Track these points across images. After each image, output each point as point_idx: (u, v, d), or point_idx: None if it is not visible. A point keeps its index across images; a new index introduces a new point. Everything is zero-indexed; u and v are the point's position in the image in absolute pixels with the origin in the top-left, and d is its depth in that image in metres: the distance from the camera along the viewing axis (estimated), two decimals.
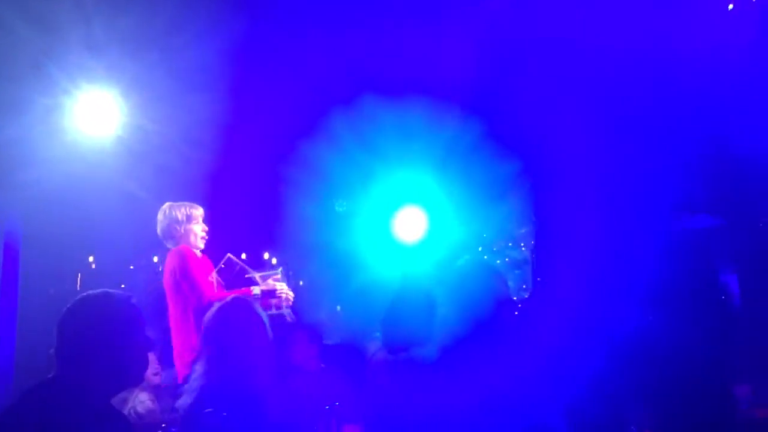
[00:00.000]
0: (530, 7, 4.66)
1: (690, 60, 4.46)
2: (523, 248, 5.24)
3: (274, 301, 4.02)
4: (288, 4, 4.78)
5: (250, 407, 2.48)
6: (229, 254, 4.08)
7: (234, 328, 2.59)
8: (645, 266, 3.35)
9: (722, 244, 3.29)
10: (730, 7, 4.55)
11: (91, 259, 6.46)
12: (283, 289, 4.04)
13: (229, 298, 2.82)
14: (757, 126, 4.31)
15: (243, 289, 4.00)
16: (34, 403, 1.94)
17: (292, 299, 4.09)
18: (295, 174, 5.85)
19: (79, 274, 5.74)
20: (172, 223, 4.07)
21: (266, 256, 6.43)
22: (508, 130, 5.09)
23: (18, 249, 4.56)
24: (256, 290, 3.99)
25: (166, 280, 4.01)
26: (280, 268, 4.17)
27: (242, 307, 2.71)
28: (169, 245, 4.11)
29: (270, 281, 4.06)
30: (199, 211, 4.16)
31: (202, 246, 4.16)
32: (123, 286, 6.65)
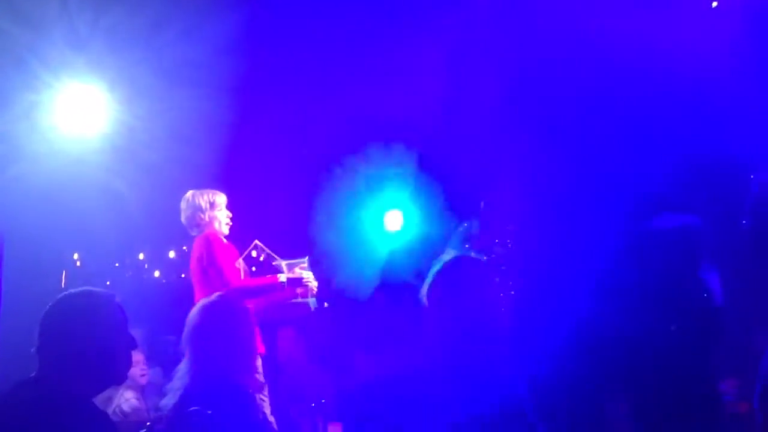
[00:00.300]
0: (506, 10, 4.71)
1: (670, 60, 4.49)
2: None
3: (299, 290, 4.02)
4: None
5: (235, 405, 2.47)
6: (256, 241, 4.06)
7: (219, 326, 2.58)
8: (626, 264, 3.38)
9: (705, 242, 3.31)
10: (714, 4, 4.58)
11: (75, 256, 6.42)
12: (309, 278, 4.02)
13: (214, 296, 2.81)
14: (739, 125, 4.35)
15: (269, 276, 3.97)
16: (16, 403, 1.91)
17: (316, 289, 4.07)
18: (284, 169, 5.85)
19: (64, 272, 5.68)
20: (196, 211, 4.05)
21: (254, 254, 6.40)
22: (483, 130, 5.17)
23: (1, 246, 4.50)
24: (282, 278, 3.96)
25: (193, 266, 4.00)
26: (307, 257, 4.13)
27: (227, 306, 2.70)
28: (193, 233, 4.09)
29: (297, 270, 4.03)
30: (222, 198, 4.14)
31: (227, 232, 4.14)
32: (108, 283, 6.61)
